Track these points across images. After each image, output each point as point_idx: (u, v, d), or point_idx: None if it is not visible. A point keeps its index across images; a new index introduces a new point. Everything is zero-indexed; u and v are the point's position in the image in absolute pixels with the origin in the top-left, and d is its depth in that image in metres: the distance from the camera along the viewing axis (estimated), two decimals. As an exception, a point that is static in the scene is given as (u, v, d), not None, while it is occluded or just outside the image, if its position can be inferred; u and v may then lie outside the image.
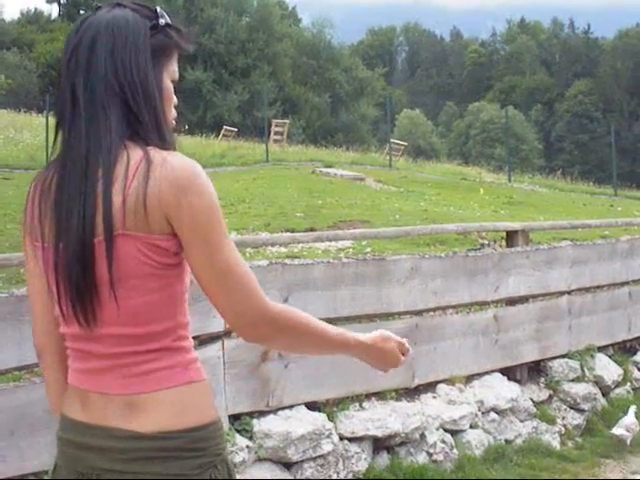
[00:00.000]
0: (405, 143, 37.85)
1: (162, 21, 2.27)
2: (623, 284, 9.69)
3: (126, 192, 2.11)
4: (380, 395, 6.96)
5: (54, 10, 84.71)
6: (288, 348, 2.44)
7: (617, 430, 7.94)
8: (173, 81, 2.33)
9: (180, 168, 2.13)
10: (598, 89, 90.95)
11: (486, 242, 11.36)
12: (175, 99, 2.36)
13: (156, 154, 2.14)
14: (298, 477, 6.13)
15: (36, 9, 78.76)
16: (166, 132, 2.25)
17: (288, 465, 6.14)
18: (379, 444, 6.73)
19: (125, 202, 2.11)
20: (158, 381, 2.22)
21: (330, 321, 6.68)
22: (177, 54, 2.33)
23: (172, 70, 2.31)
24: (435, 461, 6.95)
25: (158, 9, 2.29)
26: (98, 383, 2.26)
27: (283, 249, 10.58)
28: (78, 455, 2.25)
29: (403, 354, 2.59)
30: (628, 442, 7.90)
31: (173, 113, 2.36)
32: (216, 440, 2.26)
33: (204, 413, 2.25)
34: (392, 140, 35.13)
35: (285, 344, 2.44)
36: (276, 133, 34.07)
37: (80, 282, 2.18)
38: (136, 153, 2.14)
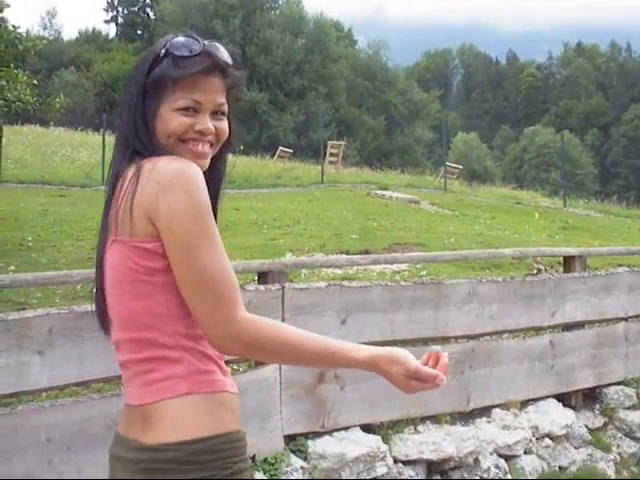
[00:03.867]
0: (460, 166, 37.72)
1: (162, 52, 2.34)
2: (679, 312, 9.59)
3: (118, 203, 2.24)
4: (435, 418, 6.96)
5: (112, 30, 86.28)
6: (265, 361, 2.41)
7: None
8: (184, 109, 2.34)
9: (165, 169, 2.21)
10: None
11: (542, 267, 11.31)
12: (204, 125, 2.36)
13: (148, 162, 2.25)
14: (352, 499, 6.16)
15: (94, 29, 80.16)
16: (159, 152, 2.29)
17: (342, 486, 6.16)
18: (433, 468, 6.73)
19: (117, 212, 2.24)
20: (159, 391, 2.25)
21: (387, 344, 6.69)
22: (184, 81, 2.33)
23: (175, 98, 2.33)
24: (496, 486, 6.94)
25: (171, 42, 2.36)
26: (126, 394, 2.34)
27: (338, 271, 10.61)
28: (112, 466, 2.34)
29: (424, 380, 2.31)
30: None
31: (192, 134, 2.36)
32: (223, 454, 2.24)
33: (206, 426, 2.24)
34: (447, 163, 35.02)
35: (257, 358, 2.38)
36: (331, 155, 34.08)
37: (95, 289, 2.40)
38: (132, 168, 2.27)
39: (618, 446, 8.19)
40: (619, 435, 8.29)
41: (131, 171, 2.27)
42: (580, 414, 8.14)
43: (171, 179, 2.18)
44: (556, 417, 7.72)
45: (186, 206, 2.16)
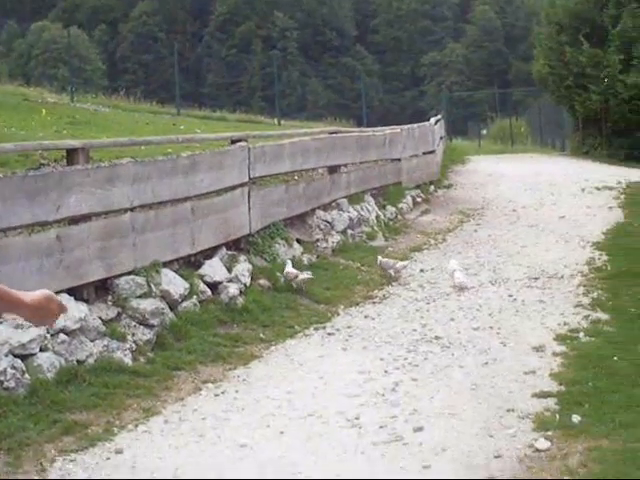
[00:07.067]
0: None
1: None
2: (185, 199, 9.89)
3: None
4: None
5: None
6: None
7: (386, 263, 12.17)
8: None
9: None
10: (162, 10, 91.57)
11: (46, 162, 11.09)
12: None
13: None
14: None
15: None
16: None
17: None
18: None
19: None
20: None
21: None
22: None
23: None
24: (7, 388, 6.82)
25: None
26: None
27: None
28: None
29: (62, 312, 2.87)
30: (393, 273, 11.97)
31: None
32: None
33: None
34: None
35: None
36: None
37: None
38: None
39: (133, 334, 8.35)
40: (133, 324, 8.45)
41: None
42: (93, 306, 8.19)
43: None
44: (69, 311, 7.67)
45: None
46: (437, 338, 9.10)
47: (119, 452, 6.24)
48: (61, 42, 76.49)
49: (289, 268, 10.88)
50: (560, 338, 8.84)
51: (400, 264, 12.31)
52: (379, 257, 12.63)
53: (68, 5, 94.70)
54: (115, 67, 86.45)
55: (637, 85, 27.81)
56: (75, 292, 8.01)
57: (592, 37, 29.28)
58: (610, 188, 20.23)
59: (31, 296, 2.67)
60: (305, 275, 10.98)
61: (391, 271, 12.14)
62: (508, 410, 6.84)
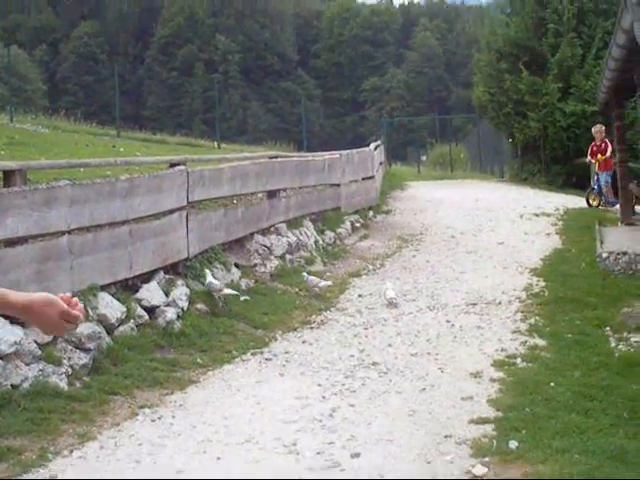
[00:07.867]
0: None
1: None
2: (123, 223, 9.83)
3: None
4: None
5: None
6: None
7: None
8: None
9: None
10: (104, 31, 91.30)
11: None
12: None
13: None
14: None
15: None
16: None
17: None
18: None
19: None
20: None
21: None
22: None
23: None
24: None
25: None
26: None
27: None
28: None
29: (70, 322, 2.68)
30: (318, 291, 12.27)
31: None
32: None
33: None
34: None
35: None
36: None
37: None
38: None
39: (69, 359, 8.24)
40: (69, 348, 8.35)
41: None
42: (29, 330, 8.06)
43: None
44: (4, 335, 7.59)
45: None
46: (375, 364, 9.11)
47: (53, 478, 6.14)
48: (1, 61, 75.73)
49: (210, 278, 10.88)
50: (497, 364, 8.89)
51: (323, 283, 12.49)
52: (304, 274, 12.75)
53: (9, 24, 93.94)
54: (56, 88, 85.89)
55: (575, 113, 28.23)
56: (10, 315, 7.88)
57: (531, 65, 29.66)
58: (548, 214, 20.45)
59: (24, 297, 2.68)
60: (229, 291, 10.97)
61: (315, 289, 12.30)
62: (445, 436, 6.85)
